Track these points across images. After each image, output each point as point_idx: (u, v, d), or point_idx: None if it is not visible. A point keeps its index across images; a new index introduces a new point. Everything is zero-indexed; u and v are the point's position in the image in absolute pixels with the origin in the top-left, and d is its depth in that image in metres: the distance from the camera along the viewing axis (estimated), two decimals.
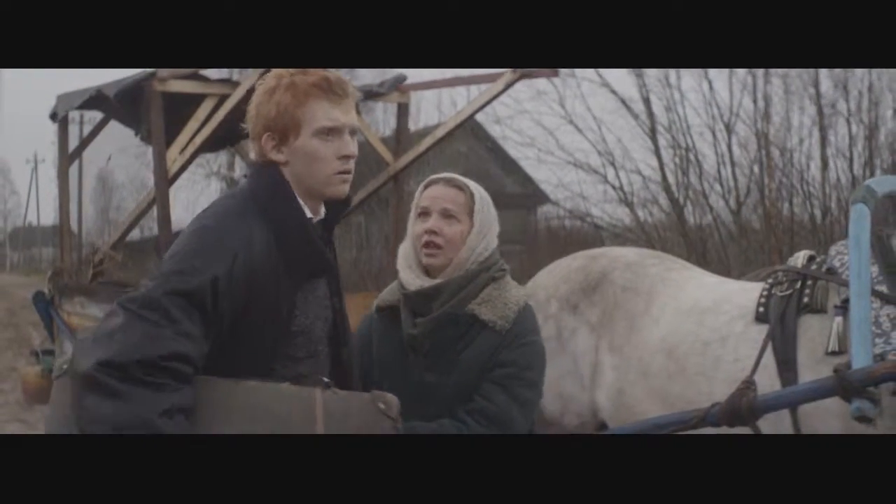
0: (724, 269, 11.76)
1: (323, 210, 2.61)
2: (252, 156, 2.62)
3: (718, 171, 14.40)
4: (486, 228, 2.89)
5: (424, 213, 2.88)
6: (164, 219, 5.55)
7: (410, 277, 2.89)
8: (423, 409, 2.75)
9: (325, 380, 2.40)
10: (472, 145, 23.42)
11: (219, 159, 21.95)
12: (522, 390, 2.81)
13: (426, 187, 2.92)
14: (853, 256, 3.52)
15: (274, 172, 2.51)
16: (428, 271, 2.89)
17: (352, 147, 2.52)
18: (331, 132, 2.49)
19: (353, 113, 2.54)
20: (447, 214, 2.85)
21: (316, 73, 2.51)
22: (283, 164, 2.51)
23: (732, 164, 14.28)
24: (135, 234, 13.47)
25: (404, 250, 2.95)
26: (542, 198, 20.82)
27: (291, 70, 2.52)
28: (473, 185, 2.94)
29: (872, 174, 13.66)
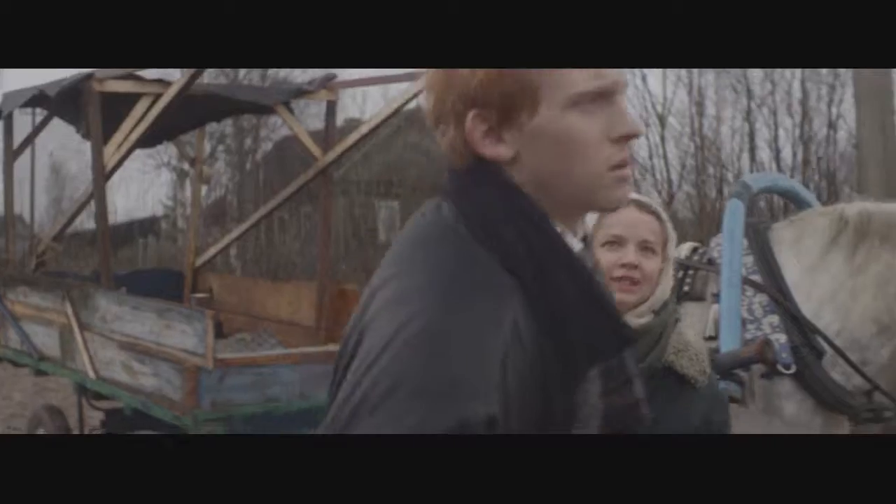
0: None
1: (581, 231, 1.53)
2: (445, 149, 1.48)
3: (651, 163, 14.78)
4: (672, 263, 2.44)
5: (616, 242, 2.32)
6: (101, 213, 5.78)
7: None
8: None
9: None
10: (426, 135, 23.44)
11: (168, 150, 21.97)
12: None
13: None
14: (726, 248, 3.81)
15: (509, 190, 1.44)
16: None
17: (632, 122, 1.46)
18: (597, 98, 1.43)
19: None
20: (645, 247, 2.32)
21: None
22: (509, 163, 1.44)
23: (665, 156, 14.68)
24: (87, 224, 13.50)
25: None
26: None
27: None
28: (663, 210, 2.45)
29: (805, 165, 14.10)
